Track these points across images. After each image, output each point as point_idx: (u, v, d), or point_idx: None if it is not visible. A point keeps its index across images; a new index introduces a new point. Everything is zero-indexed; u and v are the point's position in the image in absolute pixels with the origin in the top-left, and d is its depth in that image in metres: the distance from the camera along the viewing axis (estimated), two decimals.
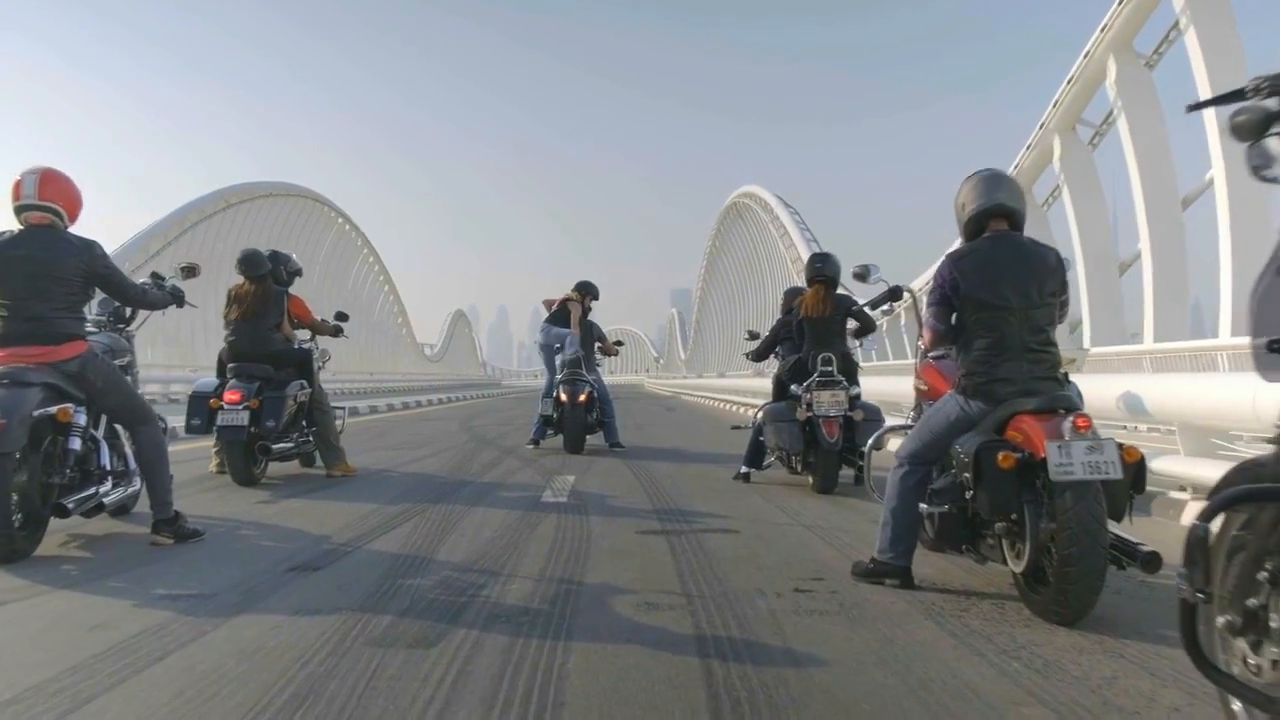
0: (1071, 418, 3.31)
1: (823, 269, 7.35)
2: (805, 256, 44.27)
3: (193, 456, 8.01)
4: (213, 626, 3.10)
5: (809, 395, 7.01)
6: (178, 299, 5.13)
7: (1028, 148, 18.17)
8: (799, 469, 7.42)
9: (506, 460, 9.37)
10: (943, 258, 3.87)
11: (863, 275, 5.04)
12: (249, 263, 7.14)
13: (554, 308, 11.00)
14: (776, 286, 57.13)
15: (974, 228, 3.81)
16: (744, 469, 7.81)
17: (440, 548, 4.55)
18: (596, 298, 11.13)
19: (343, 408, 8.28)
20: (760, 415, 7.85)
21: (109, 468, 4.46)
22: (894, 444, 4.86)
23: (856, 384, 7.21)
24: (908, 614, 3.47)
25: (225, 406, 6.53)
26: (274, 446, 6.69)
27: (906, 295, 4.95)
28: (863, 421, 7.03)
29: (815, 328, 7.23)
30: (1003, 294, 3.65)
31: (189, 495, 6.33)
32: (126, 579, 3.83)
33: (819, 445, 6.94)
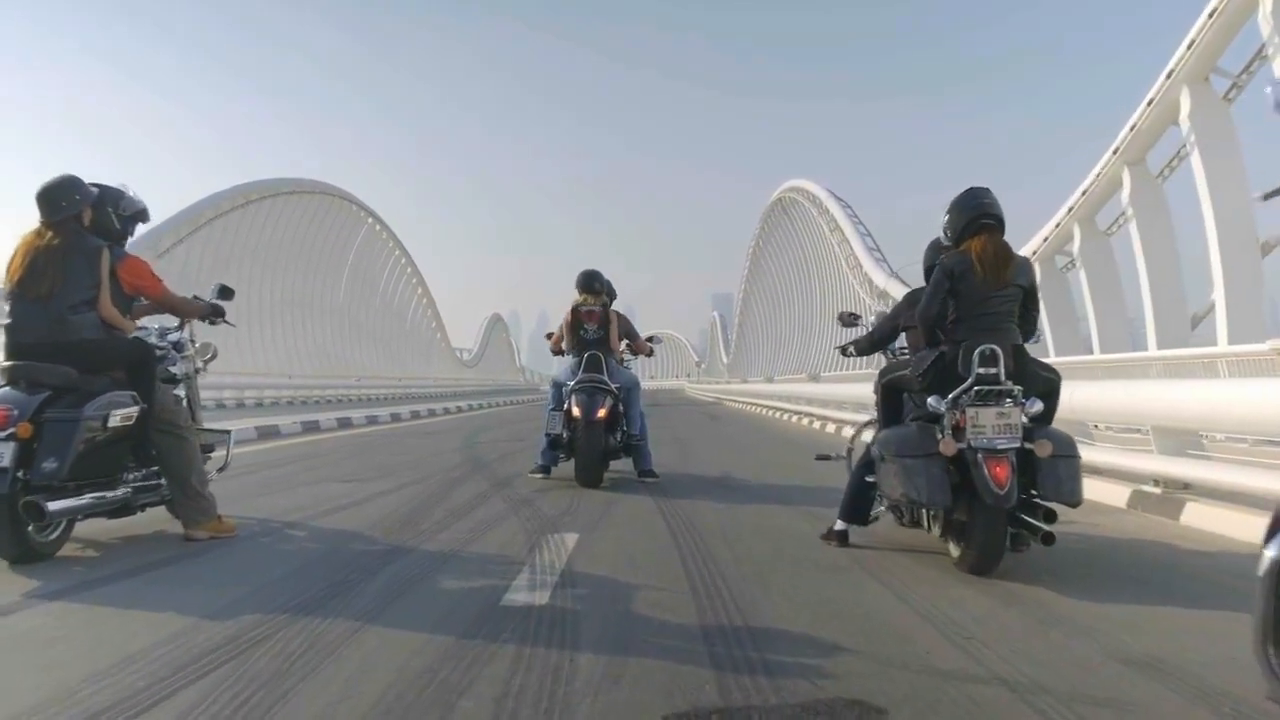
0: None
1: (991, 206, 4.51)
2: (860, 252, 41.14)
3: None
4: None
5: (960, 415, 4.20)
6: None
7: (1149, 103, 15.03)
8: (932, 528, 4.61)
9: (491, 501, 6.63)
10: None
11: None
12: (46, 197, 4.45)
13: (568, 328, 8.18)
14: (825, 286, 54.16)
15: None
16: (839, 525, 5.01)
17: None
18: (613, 295, 8.32)
19: (225, 431, 5.60)
20: (869, 442, 5.03)
21: None
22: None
23: (1043, 399, 4.36)
24: None
25: None
26: (50, 506, 3.94)
27: None
28: (1050, 459, 4.19)
29: (975, 304, 4.39)
30: None
31: None
32: None
33: (977, 497, 4.13)
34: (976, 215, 4.46)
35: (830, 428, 17.18)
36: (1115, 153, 16.26)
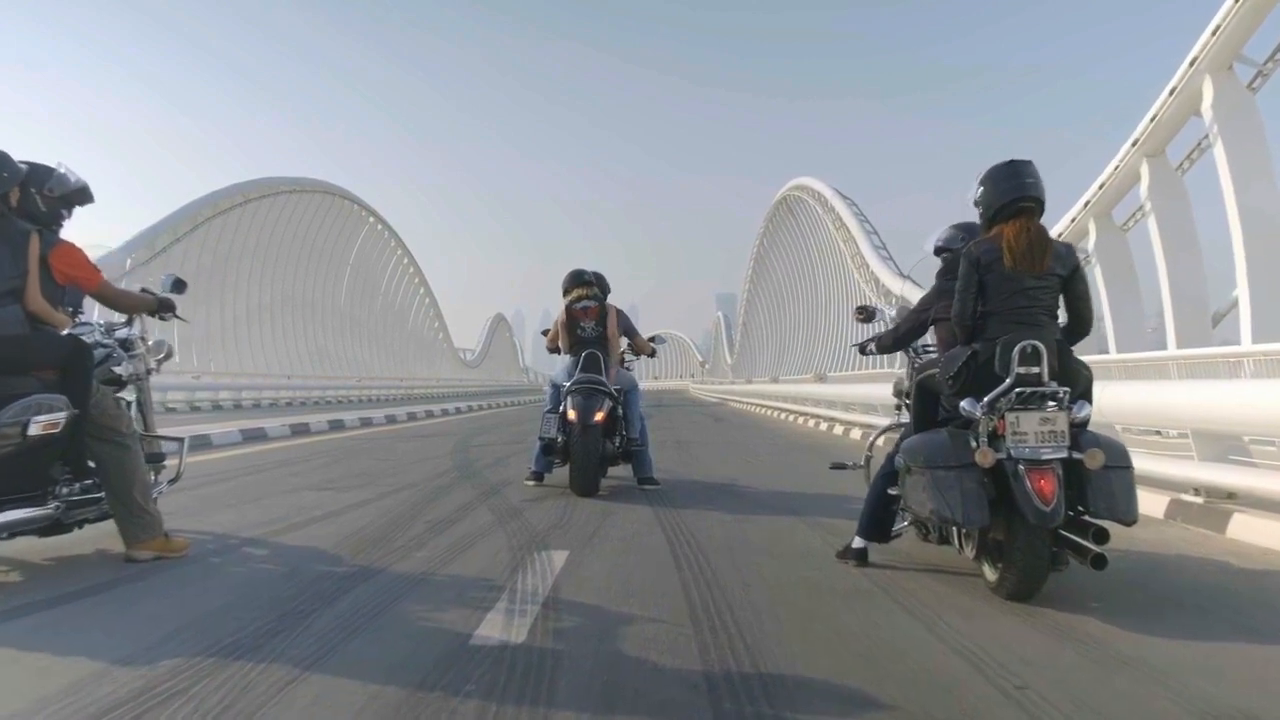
0: None
1: (1032, 187, 3.97)
2: (866, 251, 40.49)
3: None
4: None
5: (998, 420, 3.70)
6: None
7: (1171, 92, 14.46)
8: (964, 548, 4.10)
9: (476, 511, 6.12)
10: None
11: None
12: None
13: (564, 328, 7.65)
14: (831, 285, 53.56)
15: None
16: (858, 543, 4.50)
17: None
18: (606, 290, 7.80)
19: (178, 438, 5.10)
20: (891, 449, 4.51)
21: None
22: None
23: (1085, 400, 3.85)
24: None
25: None
26: None
27: None
28: (1101, 471, 3.67)
29: (1006, 296, 3.87)
30: None
31: None
32: None
33: (1018, 514, 3.62)
34: (1015, 197, 3.92)
35: (838, 429, 16.67)
36: (1134, 145, 15.69)
